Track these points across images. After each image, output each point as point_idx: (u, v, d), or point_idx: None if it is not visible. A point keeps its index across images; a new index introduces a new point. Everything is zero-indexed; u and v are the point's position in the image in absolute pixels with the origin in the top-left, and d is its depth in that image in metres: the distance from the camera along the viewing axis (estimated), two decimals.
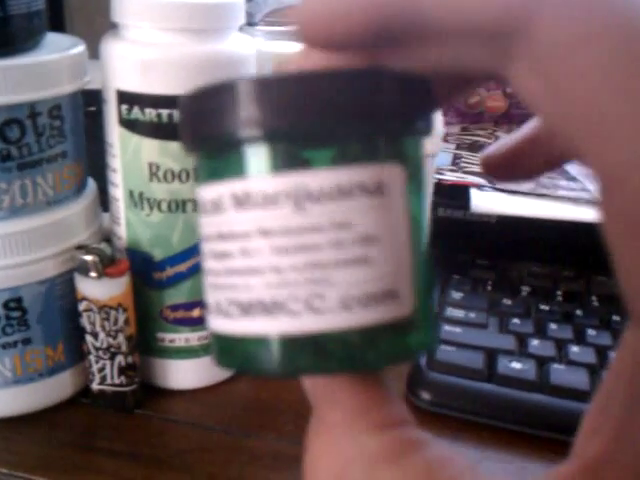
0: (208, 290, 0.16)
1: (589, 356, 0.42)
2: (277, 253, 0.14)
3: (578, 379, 0.40)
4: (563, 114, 0.13)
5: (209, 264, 0.16)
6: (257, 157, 0.14)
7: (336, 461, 0.15)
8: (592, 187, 0.55)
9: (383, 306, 0.14)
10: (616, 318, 0.46)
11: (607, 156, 0.13)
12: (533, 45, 0.13)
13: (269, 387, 0.43)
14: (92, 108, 0.44)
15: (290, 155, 0.14)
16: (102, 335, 0.38)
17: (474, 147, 0.65)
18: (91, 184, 0.42)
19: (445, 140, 0.65)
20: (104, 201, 0.41)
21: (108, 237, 0.41)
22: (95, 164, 0.42)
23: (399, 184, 0.14)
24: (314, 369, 0.14)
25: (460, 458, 0.14)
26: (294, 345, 0.14)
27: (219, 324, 0.15)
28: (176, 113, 0.35)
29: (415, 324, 0.14)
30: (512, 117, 0.73)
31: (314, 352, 0.14)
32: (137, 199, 0.38)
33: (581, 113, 0.13)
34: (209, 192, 0.15)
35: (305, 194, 0.14)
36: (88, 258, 0.37)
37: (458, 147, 0.64)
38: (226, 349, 0.16)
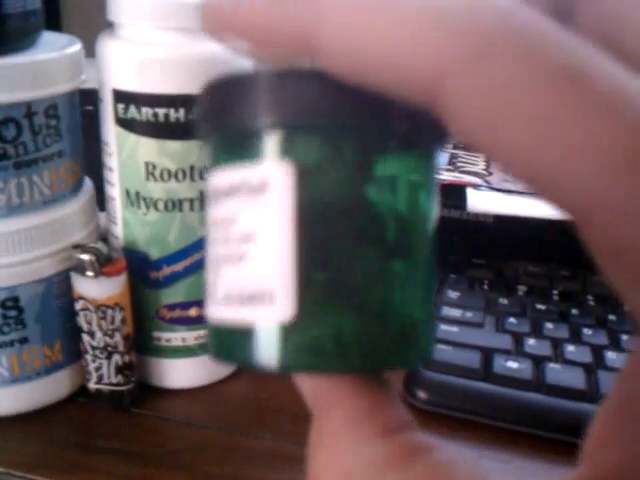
0: None
1: (585, 355, 0.42)
2: (207, 244, 0.15)
3: (574, 378, 0.40)
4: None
5: None
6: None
7: (342, 473, 0.14)
8: None
9: (259, 306, 0.14)
10: (612, 317, 0.46)
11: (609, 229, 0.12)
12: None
13: (266, 386, 0.43)
14: (89, 107, 0.44)
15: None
16: (99, 334, 0.38)
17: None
18: (88, 183, 0.42)
19: None
20: (102, 200, 0.41)
21: (105, 236, 0.41)
22: (93, 163, 0.42)
23: (284, 182, 0.13)
24: (218, 357, 0.15)
25: (467, 462, 0.14)
26: (214, 333, 0.15)
27: None
28: (172, 112, 0.35)
29: (307, 331, 0.14)
30: None
31: (216, 343, 0.15)
32: (134, 198, 0.38)
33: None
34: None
35: (215, 191, 0.15)
36: (85, 257, 0.37)
37: (455, 147, 0.64)
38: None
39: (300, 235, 0.13)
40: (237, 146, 0.14)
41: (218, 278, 0.14)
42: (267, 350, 0.14)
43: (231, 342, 0.14)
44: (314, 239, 0.14)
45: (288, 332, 0.14)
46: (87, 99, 0.42)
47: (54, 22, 0.70)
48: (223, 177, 0.14)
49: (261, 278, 0.14)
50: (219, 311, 0.15)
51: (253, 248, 0.14)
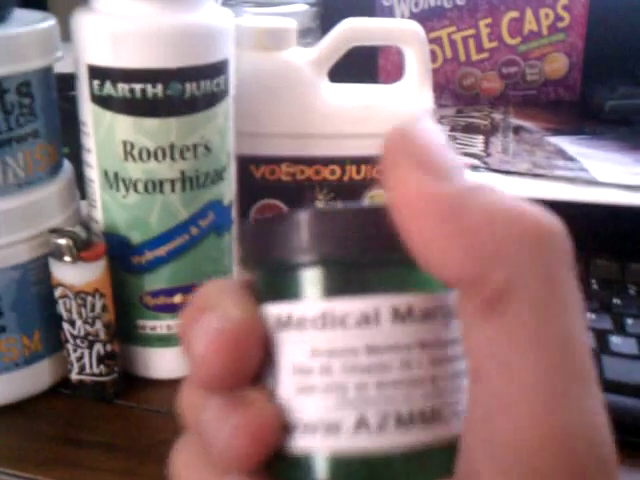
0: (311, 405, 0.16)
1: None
2: (356, 370, 0.15)
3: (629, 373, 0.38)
4: None
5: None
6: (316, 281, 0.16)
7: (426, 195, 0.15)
8: (591, 167, 0.53)
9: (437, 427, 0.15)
10: (616, 302, 0.45)
11: None
12: None
13: None
14: (73, 92, 0.42)
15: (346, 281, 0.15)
16: (79, 322, 0.37)
17: (469, 129, 0.63)
18: (67, 166, 0.40)
19: (439, 122, 0.64)
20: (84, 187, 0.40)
21: (86, 223, 0.40)
22: (80, 150, 0.40)
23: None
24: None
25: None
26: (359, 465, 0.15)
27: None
28: (150, 87, 0.34)
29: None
30: (508, 98, 0.71)
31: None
32: (112, 180, 0.36)
33: None
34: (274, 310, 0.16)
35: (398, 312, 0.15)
36: (62, 242, 0.35)
37: (453, 129, 0.63)
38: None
39: None
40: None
41: (391, 404, 0.15)
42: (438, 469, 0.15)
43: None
44: None
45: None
46: (72, 83, 0.40)
47: (39, 3, 0.68)
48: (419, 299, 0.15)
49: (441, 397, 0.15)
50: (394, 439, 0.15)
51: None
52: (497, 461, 0.13)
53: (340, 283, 0.15)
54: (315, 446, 0.15)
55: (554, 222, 0.14)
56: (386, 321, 0.15)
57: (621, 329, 0.42)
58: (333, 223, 0.15)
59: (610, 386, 0.36)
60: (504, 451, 0.13)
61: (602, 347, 0.40)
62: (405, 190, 0.15)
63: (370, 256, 0.15)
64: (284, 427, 0.16)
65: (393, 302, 0.15)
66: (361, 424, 0.15)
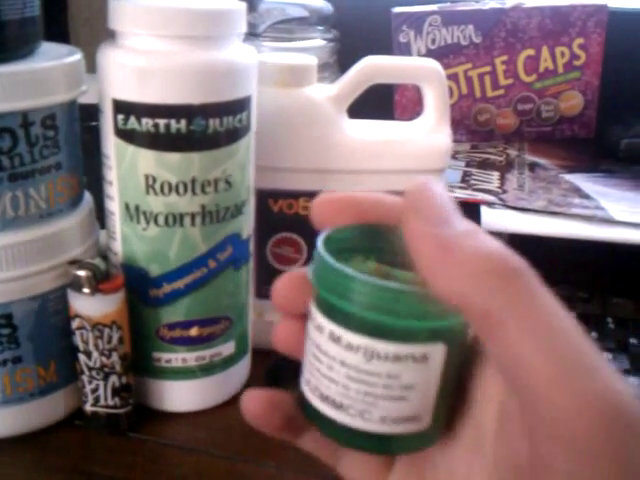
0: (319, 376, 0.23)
1: None
2: (348, 378, 0.22)
3: None
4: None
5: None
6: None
7: None
8: (607, 206, 0.53)
9: (408, 424, 0.22)
10: (634, 341, 0.44)
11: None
12: None
13: None
14: (94, 123, 0.42)
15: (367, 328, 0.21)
16: (95, 354, 0.37)
17: (484, 165, 0.63)
18: (87, 198, 0.41)
19: (454, 157, 0.64)
20: (103, 217, 0.40)
21: (105, 254, 0.40)
22: (98, 180, 0.40)
23: (440, 357, 0.21)
24: (357, 447, 0.23)
25: None
26: (350, 433, 0.22)
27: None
28: (173, 123, 0.34)
29: (428, 434, 0.23)
30: (523, 135, 0.71)
31: (363, 439, 0.22)
32: (133, 212, 0.36)
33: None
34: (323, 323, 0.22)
35: (373, 353, 0.21)
36: (81, 273, 0.35)
37: (468, 164, 0.63)
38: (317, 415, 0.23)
39: (442, 384, 0.22)
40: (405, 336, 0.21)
41: (374, 407, 0.22)
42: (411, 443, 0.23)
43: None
44: (446, 386, 0.22)
45: (423, 435, 0.23)
46: (92, 114, 0.40)
47: (61, 36, 0.69)
48: (391, 348, 0.21)
49: (415, 409, 0.22)
50: (374, 426, 0.22)
51: (411, 394, 0.22)
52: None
53: (371, 330, 0.21)
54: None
55: (517, 259, 0.18)
56: (376, 359, 0.21)
57: (639, 369, 0.41)
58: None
59: None
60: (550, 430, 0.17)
61: None
62: (415, 233, 0.20)
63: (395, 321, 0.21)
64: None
65: (377, 346, 0.21)
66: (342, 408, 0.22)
